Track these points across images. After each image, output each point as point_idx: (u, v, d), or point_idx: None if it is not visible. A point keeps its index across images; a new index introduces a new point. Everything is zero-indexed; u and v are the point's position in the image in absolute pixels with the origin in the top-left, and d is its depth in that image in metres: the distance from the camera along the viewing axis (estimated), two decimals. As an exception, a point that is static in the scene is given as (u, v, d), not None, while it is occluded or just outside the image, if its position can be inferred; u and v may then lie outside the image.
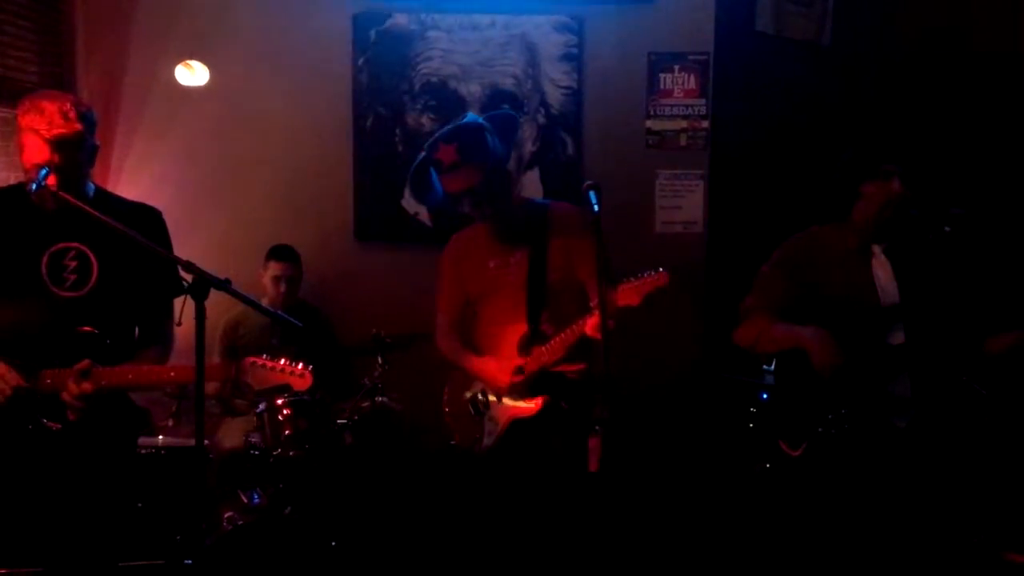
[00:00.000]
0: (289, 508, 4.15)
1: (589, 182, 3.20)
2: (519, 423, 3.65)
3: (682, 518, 4.83)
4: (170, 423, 4.44)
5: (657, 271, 3.28)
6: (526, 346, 3.61)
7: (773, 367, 3.77)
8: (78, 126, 2.99)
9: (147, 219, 3.18)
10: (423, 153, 3.69)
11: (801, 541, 3.67)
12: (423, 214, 5.31)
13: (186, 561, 3.96)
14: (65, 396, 2.97)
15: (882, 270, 3.55)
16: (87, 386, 2.95)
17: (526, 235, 3.68)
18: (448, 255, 3.88)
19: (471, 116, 3.70)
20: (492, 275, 3.71)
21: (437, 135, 3.65)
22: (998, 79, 5.09)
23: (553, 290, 3.64)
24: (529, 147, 5.24)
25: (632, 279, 3.28)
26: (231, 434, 4.70)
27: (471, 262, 3.78)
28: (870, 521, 3.49)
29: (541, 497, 3.66)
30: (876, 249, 3.57)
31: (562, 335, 3.51)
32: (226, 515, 4.05)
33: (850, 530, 3.50)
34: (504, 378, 3.62)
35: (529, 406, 3.63)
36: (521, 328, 3.64)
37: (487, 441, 3.71)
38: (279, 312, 3.14)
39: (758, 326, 3.64)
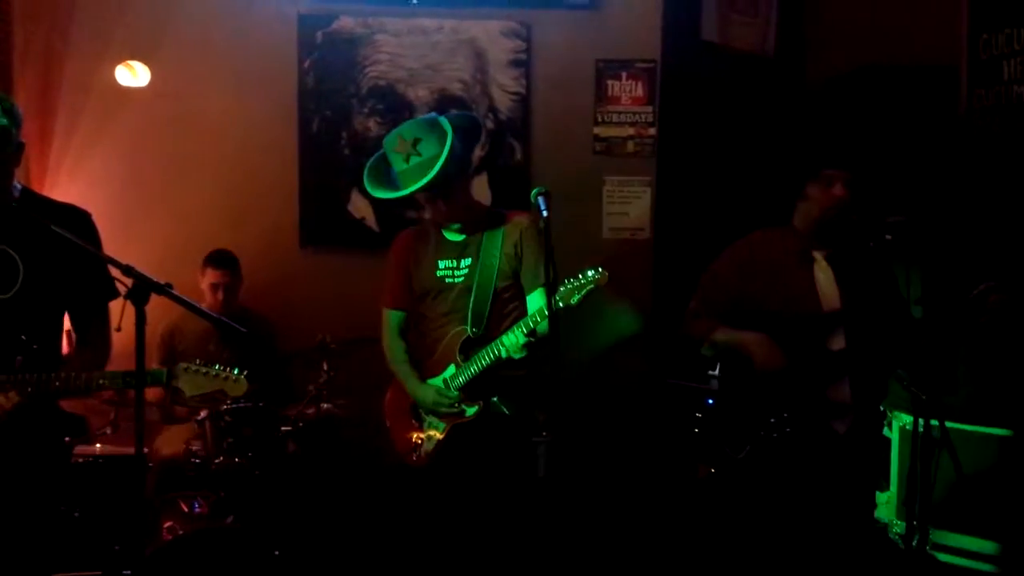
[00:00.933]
0: (231, 517, 4.09)
1: (538, 188, 3.20)
2: (459, 428, 3.64)
3: (628, 523, 4.84)
4: (108, 431, 4.34)
5: (596, 271, 3.28)
6: (467, 349, 3.60)
7: (718, 372, 3.79)
8: (4, 121, 2.88)
9: (76, 221, 3.06)
10: (382, 148, 3.67)
11: (745, 543, 3.69)
12: (369, 219, 5.27)
13: (124, 572, 3.89)
14: None
15: (824, 276, 3.59)
16: (13, 395, 2.85)
17: (479, 239, 3.66)
18: (396, 251, 3.85)
19: (433, 115, 3.68)
20: (441, 276, 3.69)
21: (396, 129, 3.64)
22: (938, 90, 5.17)
23: (499, 296, 3.64)
24: (477, 152, 5.21)
25: (571, 280, 3.28)
26: (171, 442, 4.63)
27: (420, 259, 3.76)
28: (809, 522, 3.52)
29: (485, 503, 3.65)
30: (818, 255, 3.61)
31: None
32: (166, 524, 3.98)
33: (790, 531, 3.53)
34: (444, 410, 3.64)
35: (470, 412, 3.62)
36: (465, 331, 3.62)
37: (427, 447, 3.69)
38: (222, 316, 3.07)
39: (702, 331, 3.67)
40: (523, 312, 3.58)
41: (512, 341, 3.44)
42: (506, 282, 3.64)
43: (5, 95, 2.99)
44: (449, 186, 3.56)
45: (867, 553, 3.61)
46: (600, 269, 3.28)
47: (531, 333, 3.41)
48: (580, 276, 3.28)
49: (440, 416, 3.67)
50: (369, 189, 3.66)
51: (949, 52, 5.15)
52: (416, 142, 3.52)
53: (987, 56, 4.94)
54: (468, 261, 3.66)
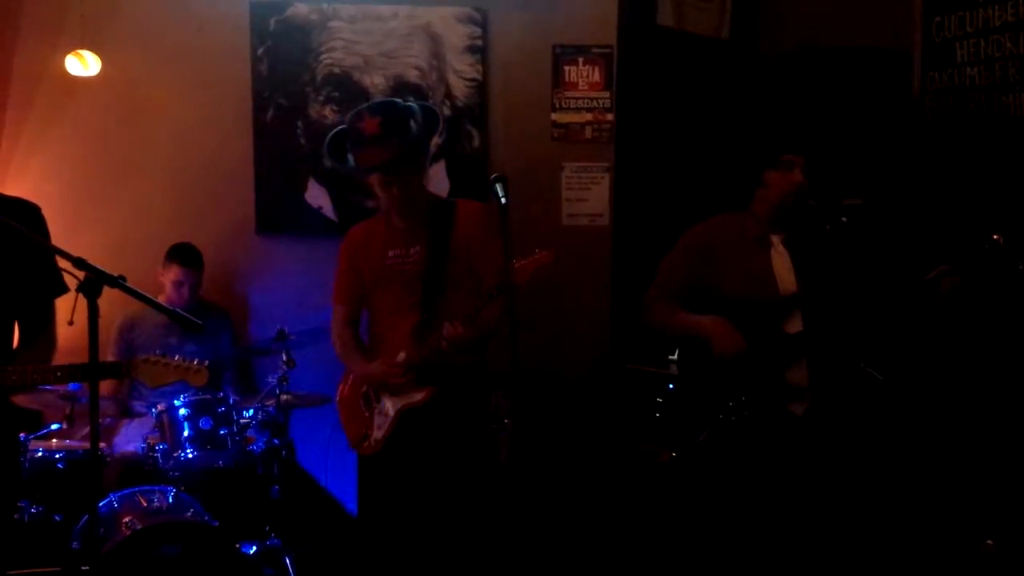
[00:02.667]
0: (191, 511, 4.05)
1: (496, 174, 3.21)
2: (409, 414, 3.64)
3: (588, 509, 4.86)
4: (64, 426, 4.28)
5: (545, 250, 3.30)
6: (419, 335, 3.60)
7: (676, 356, 3.82)
8: None
9: (26, 215, 3.00)
10: (344, 124, 3.68)
11: (707, 528, 3.72)
12: (326, 207, 5.23)
13: (83, 568, 3.84)
14: None
15: (781, 259, 3.62)
16: None
17: (429, 227, 3.67)
18: (347, 245, 3.87)
19: (398, 99, 3.70)
20: (390, 263, 3.71)
21: (363, 106, 3.68)
22: (891, 74, 5.22)
23: (451, 283, 3.65)
24: (435, 140, 5.18)
25: (519, 259, 3.30)
26: (129, 436, 4.58)
27: (369, 250, 3.77)
28: (769, 506, 3.55)
29: (437, 487, 3.67)
30: (775, 239, 3.63)
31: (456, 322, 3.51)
32: (125, 519, 3.93)
33: (751, 515, 3.56)
34: (393, 380, 3.64)
35: (418, 396, 3.62)
36: (415, 318, 3.63)
37: (377, 435, 3.70)
38: (177, 310, 3.03)
39: (661, 316, 3.68)
40: (476, 297, 3.58)
41: (450, 332, 3.45)
42: (459, 269, 3.66)
43: None
44: (406, 171, 3.58)
45: (827, 534, 3.65)
46: (547, 250, 3.30)
47: (470, 320, 3.43)
48: (527, 256, 3.30)
49: (392, 392, 3.66)
50: (329, 162, 3.68)
51: (903, 34, 5.20)
52: (380, 121, 3.54)
53: (940, 39, 4.99)
54: (417, 248, 3.68)
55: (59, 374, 2.92)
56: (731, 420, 3.52)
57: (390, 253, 3.71)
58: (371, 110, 3.61)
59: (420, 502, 3.66)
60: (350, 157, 3.64)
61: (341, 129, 3.70)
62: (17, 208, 3.01)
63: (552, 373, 5.09)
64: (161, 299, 4.61)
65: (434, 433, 3.65)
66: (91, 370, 2.71)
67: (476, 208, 3.74)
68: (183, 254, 4.81)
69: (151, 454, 4.33)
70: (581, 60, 5.29)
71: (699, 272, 3.66)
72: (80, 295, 2.69)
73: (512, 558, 3.61)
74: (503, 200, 3.18)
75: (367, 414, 3.76)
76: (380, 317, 3.76)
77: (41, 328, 3.06)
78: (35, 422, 4.22)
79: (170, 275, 4.80)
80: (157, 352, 3.01)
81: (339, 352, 3.84)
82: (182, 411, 4.33)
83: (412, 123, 3.58)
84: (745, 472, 3.55)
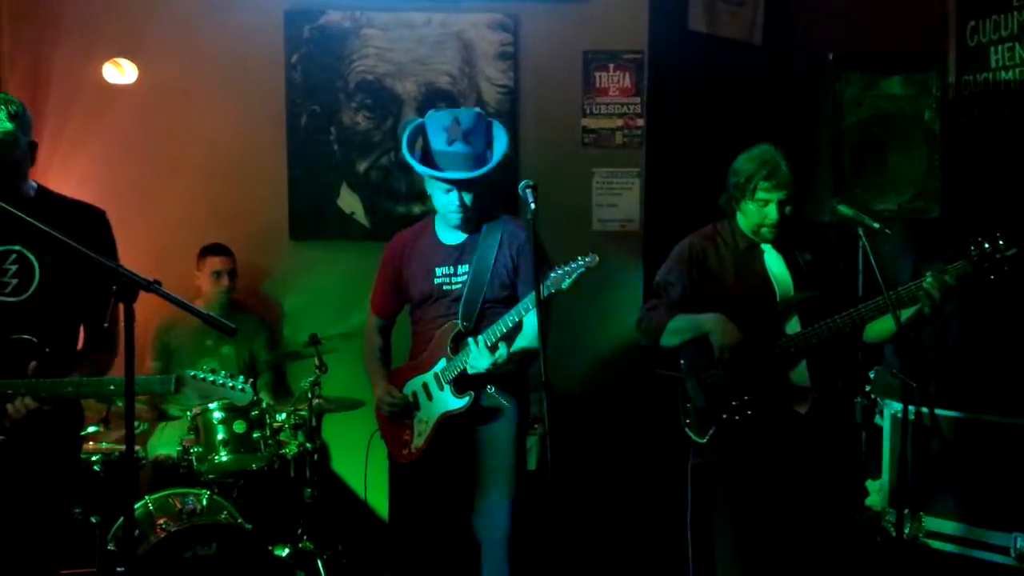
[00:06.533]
0: (224, 513, 4.09)
1: (526, 181, 3.22)
2: (450, 420, 3.65)
3: (620, 513, 4.85)
4: (100, 429, 4.34)
5: (588, 257, 3.32)
6: (457, 343, 3.64)
7: (680, 358, 3.83)
8: (9, 126, 2.91)
9: (91, 220, 3.10)
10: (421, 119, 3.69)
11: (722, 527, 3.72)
12: (359, 213, 5.27)
13: (119, 569, 3.89)
14: (8, 407, 2.87)
15: (775, 262, 3.63)
16: (29, 401, 2.87)
17: (475, 242, 3.70)
18: (391, 254, 3.87)
19: (478, 111, 3.71)
20: (438, 283, 3.71)
21: (452, 110, 3.67)
22: (923, 78, 5.17)
23: (493, 299, 3.67)
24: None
25: (562, 267, 3.32)
26: (165, 439, 4.63)
27: (417, 266, 3.77)
28: (774, 504, 3.56)
29: (476, 494, 3.68)
30: (765, 246, 3.65)
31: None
32: (159, 521, 3.98)
33: (757, 513, 3.56)
34: (387, 408, 3.74)
35: (460, 403, 3.63)
36: (454, 325, 3.66)
37: (417, 442, 3.71)
38: (211, 313, 3.07)
39: (660, 318, 3.70)
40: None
41: (476, 359, 3.51)
42: (501, 292, 3.67)
43: (11, 98, 2.98)
44: (475, 187, 3.61)
45: (837, 534, 3.66)
46: (592, 255, 3.32)
47: (493, 347, 3.48)
48: (571, 262, 3.31)
49: (391, 413, 3.73)
50: (406, 153, 3.67)
51: (936, 39, 5.15)
52: (469, 132, 3.56)
53: (975, 43, 4.95)
54: (465, 268, 3.68)
55: (112, 387, 2.95)
56: (735, 419, 3.54)
57: (438, 272, 3.71)
58: (461, 118, 3.60)
59: (453, 508, 3.68)
60: (418, 153, 3.65)
61: (416, 125, 3.69)
62: (82, 213, 3.10)
63: (583, 378, 5.09)
64: (198, 303, 4.68)
65: (473, 440, 3.68)
66: (126, 376, 2.73)
67: (523, 231, 3.71)
68: (214, 247, 4.96)
69: (186, 457, 4.38)
70: (612, 66, 5.29)
71: (695, 280, 3.69)
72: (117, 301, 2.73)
73: (544, 562, 3.63)
74: (532, 206, 3.20)
75: (407, 422, 3.77)
76: (425, 322, 3.77)
77: (106, 331, 3.11)
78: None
79: (208, 268, 4.89)
80: (204, 367, 3.07)
81: (364, 358, 3.91)
82: (216, 414, 4.38)
83: (504, 141, 3.65)
84: (751, 470, 3.56)
